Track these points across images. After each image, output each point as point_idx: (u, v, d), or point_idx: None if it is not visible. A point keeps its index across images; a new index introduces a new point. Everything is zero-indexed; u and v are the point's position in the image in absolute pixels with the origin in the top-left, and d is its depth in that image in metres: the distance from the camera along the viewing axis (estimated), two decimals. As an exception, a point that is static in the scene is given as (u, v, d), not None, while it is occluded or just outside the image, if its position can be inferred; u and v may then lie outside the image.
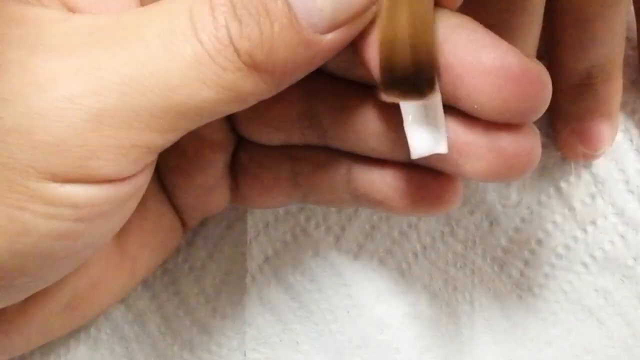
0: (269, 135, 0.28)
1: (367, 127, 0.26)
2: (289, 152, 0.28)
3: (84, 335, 0.33)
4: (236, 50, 0.22)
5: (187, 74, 0.21)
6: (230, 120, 0.28)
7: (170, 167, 0.29)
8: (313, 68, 0.23)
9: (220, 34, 0.22)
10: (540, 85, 0.22)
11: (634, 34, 0.32)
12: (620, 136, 0.32)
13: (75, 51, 0.22)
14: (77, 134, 0.21)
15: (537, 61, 0.23)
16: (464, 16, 0.23)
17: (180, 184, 0.29)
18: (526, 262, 0.32)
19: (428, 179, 0.26)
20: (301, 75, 0.23)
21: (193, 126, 0.23)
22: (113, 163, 0.22)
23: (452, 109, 0.24)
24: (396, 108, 0.23)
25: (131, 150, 0.22)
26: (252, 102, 0.23)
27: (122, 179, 0.22)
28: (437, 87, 0.22)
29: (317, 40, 0.22)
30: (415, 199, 0.26)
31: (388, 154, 0.26)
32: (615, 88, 0.30)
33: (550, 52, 0.30)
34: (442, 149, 0.23)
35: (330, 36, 0.22)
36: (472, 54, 0.22)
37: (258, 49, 0.22)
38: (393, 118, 0.24)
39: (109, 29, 0.22)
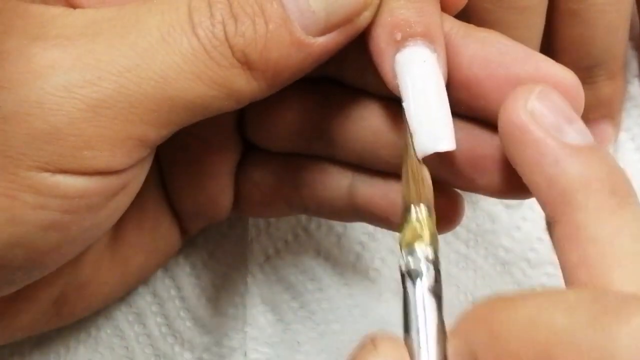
0: (277, 142, 0.28)
1: (377, 138, 0.26)
2: (293, 162, 0.28)
3: (84, 335, 0.32)
4: (231, 47, 0.22)
5: (183, 67, 0.22)
6: (240, 127, 0.28)
7: (178, 173, 0.29)
8: (305, 70, 0.23)
9: (216, 30, 0.22)
10: (577, 94, 0.22)
11: (636, 33, 0.32)
12: (621, 135, 0.32)
13: (75, 42, 0.22)
14: (73, 123, 0.21)
15: (570, 70, 0.23)
16: (492, 31, 0.23)
17: (186, 191, 0.29)
18: (528, 262, 0.32)
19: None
20: (293, 77, 0.23)
21: (186, 122, 0.23)
22: (106, 154, 0.22)
23: (468, 124, 0.24)
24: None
25: (124, 142, 0.22)
26: (245, 101, 0.23)
27: (113, 172, 0.22)
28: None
29: (309, 42, 0.22)
30: None
31: (395, 166, 0.26)
32: (617, 87, 0.30)
33: (552, 51, 0.30)
34: (448, 145, 0.23)
35: (322, 39, 0.22)
36: (506, 67, 0.23)
37: (251, 47, 0.22)
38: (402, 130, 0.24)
39: (109, 21, 0.23)
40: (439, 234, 0.30)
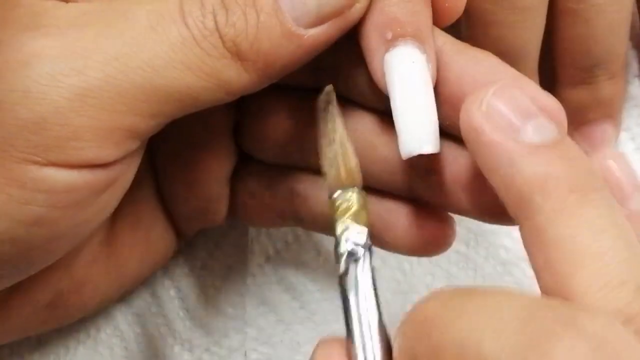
0: (271, 153, 0.28)
1: (368, 153, 0.25)
2: (288, 174, 0.28)
3: (84, 335, 0.32)
4: (221, 37, 0.22)
5: (172, 57, 0.22)
6: (235, 134, 0.28)
7: (172, 176, 0.29)
8: (296, 64, 0.23)
9: (207, 20, 0.22)
10: (559, 120, 0.22)
11: (636, 33, 0.32)
12: (621, 135, 0.32)
13: (63, 31, 0.22)
14: (60, 113, 0.21)
15: (553, 97, 0.22)
16: (484, 50, 0.23)
17: (180, 194, 0.29)
18: (528, 261, 0.32)
19: (423, 217, 0.26)
20: (284, 70, 0.23)
21: (176, 114, 0.23)
22: (94, 145, 0.22)
23: (455, 143, 0.24)
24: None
25: (112, 132, 0.22)
26: (236, 94, 0.23)
27: (101, 165, 0.22)
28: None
29: (300, 33, 0.22)
30: (406, 237, 0.26)
31: (388, 181, 0.26)
32: (618, 87, 0.30)
33: (552, 50, 0.30)
34: (432, 148, 0.23)
35: (313, 31, 0.22)
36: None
37: (242, 37, 0.22)
38: (395, 145, 0.24)
39: (99, 12, 0.23)
40: (429, 257, 0.30)
